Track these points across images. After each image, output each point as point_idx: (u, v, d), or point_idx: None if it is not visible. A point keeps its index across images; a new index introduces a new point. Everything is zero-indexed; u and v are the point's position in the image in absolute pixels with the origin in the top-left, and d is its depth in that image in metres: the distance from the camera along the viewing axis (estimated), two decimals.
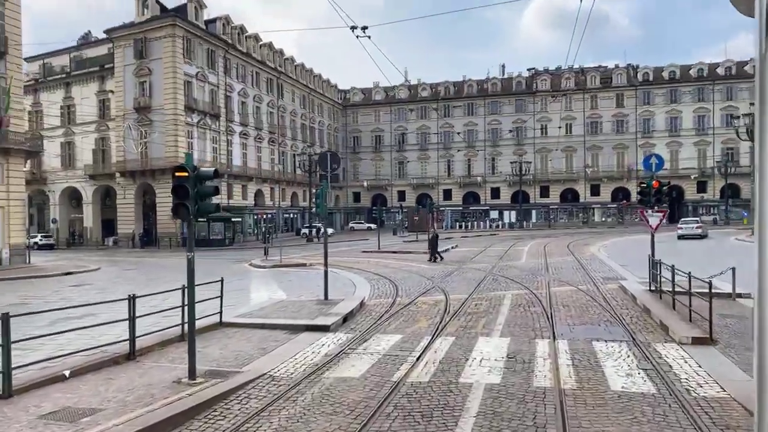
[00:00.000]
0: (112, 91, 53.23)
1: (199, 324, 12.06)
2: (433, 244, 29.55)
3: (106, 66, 53.72)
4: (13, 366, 8.88)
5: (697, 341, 10.17)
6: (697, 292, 11.57)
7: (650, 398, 7.50)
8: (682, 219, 50.02)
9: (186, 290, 10.79)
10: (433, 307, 15.03)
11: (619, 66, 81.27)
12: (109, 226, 55.03)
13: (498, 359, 9.62)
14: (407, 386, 8.26)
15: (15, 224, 34.68)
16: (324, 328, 12.11)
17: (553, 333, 11.54)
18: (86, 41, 59.72)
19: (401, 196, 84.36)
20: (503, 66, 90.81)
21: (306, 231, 58.89)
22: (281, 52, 69.35)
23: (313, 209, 15.49)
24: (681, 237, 41.47)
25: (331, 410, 7.32)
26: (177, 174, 8.11)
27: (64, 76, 56.91)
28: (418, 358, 9.76)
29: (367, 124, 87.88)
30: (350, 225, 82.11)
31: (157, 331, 10.93)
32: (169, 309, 11.68)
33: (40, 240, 53.26)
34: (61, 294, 20.82)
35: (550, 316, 13.25)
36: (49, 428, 6.32)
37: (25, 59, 60.62)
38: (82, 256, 41.86)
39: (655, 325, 12.08)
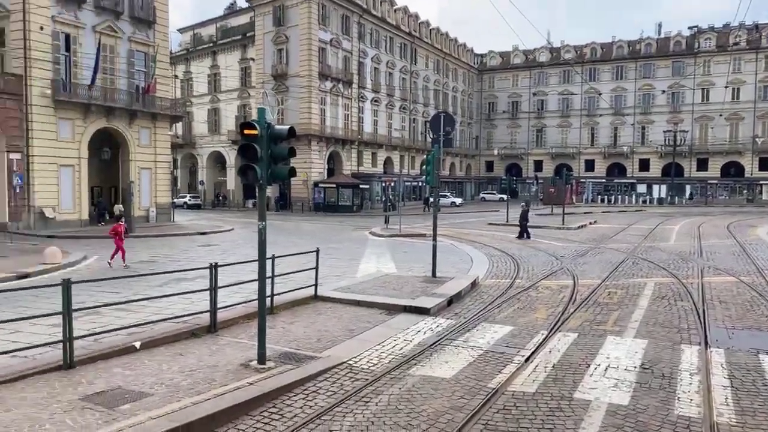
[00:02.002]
0: (252, 59, 55.22)
1: (293, 296, 11.39)
2: (524, 219, 26.91)
3: (248, 34, 55.72)
4: (98, 331, 8.67)
5: None
6: None
7: None
8: None
9: (273, 261, 10.05)
10: (557, 293, 13.09)
11: None
12: (249, 189, 57.80)
13: (629, 369, 7.70)
14: (506, 397, 6.70)
15: (161, 185, 37.15)
16: (423, 311, 10.78)
17: (705, 338, 9.24)
18: (231, 11, 62.37)
19: (538, 166, 79.94)
20: (659, 25, 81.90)
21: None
22: (416, 16, 67.74)
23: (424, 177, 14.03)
24: None
25: (405, 421, 6.01)
26: (245, 132, 7.08)
27: (210, 45, 60.05)
28: (527, 359, 8.12)
29: (503, 89, 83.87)
30: (481, 195, 79.58)
31: (241, 303, 10.28)
32: (278, 275, 10.85)
33: (189, 200, 57.51)
34: (188, 253, 21.54)
35: (701, 315, 10.81)
36: (83, 415, 5.68)
37: (178, 30, 65.08)
38: (222, 216, 44.24)
39: None
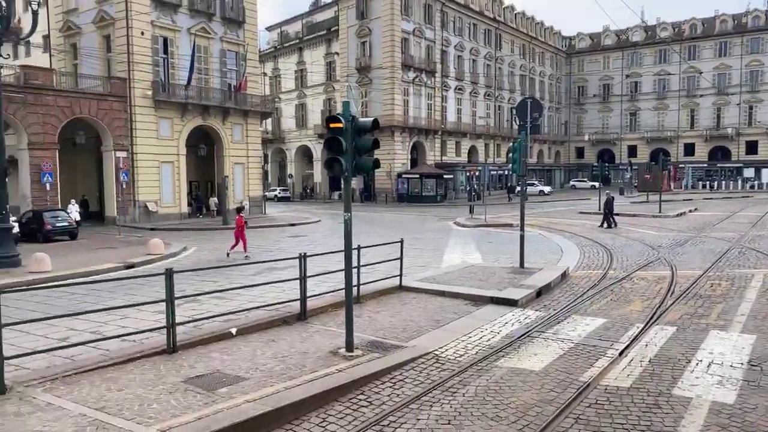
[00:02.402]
0: (337, 53, 56.15)
1: (379, 286, 11.53)
2: (608, 208, 25.48)
3: (332, 29, 56.68)
4: (197, 317, 9.19)
5: None
6: None
7: None
8: None
9: (359, 252, 10.22)
10: (654, 284, 12.44)
11: None
12: (335, 181, 58.99)
13: (734, 365, 7.20)
14: (599, 391, 6.46)
15: (253, 178, 38.72)
16: (511, 302, 10.59)
17: None
18: (316, 6, 63.65)
19: (631, 151, 76.04)
20: None
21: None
22: (500, 1, 66.21)
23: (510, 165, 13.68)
24: None
25: (493, 413, 5.94)
26: (331, 125, 7.21)
27: (297, 41, 61.64)
28: (621, 353, 7.78)
29: (594, 72, 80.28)
30: (571, 183, 76.84)
31: (329, 292, 10.52)
32: (364, 266, 11.01)
33: (279, 193, 59.58)
34: (279, 244, 22.34)
35: None
36: (185, 396, 6.05)
37: (266, 28, 67.15)
38: (309, 208, 45.49)
39: None
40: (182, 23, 33.94)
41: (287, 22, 64.82)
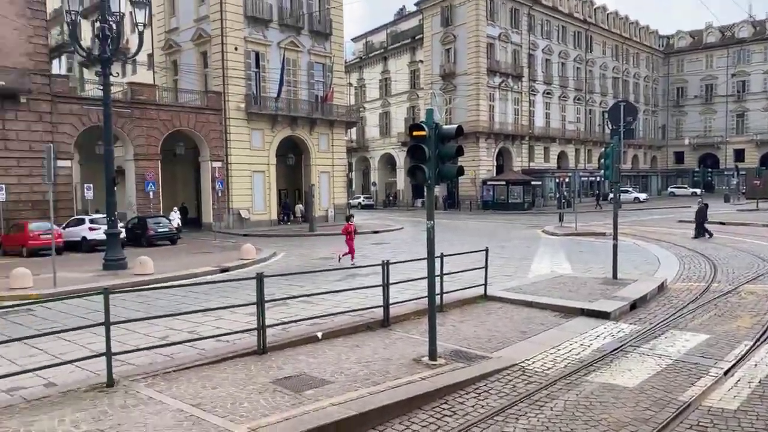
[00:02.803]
0: (421, 61, 56.39)
1: (462, 295, 11.40)
2: (701, 217, 23.49)
3: (417, 37, 57.01)
4: (286, 320, 9.49)
5: None
6: None
7: None
8: None
9: (442, 260, 10.16)
10: (764, 299, 11.49)
11: None
12: (418, 189, 59.15)
13: None
14: (701, 413, 6.03)
15: (338, 187, 39.59)
16: (603, 315, 10.12)
17: None
18: (400, 15, 64.30)
19: (738, 155, 70.78)
20: None
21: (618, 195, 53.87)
22: (591, 2, 63.98)
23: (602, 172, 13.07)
24: None
25: (582, 429, 5.69)
26: (414, 133, 7.23)
27: (381, 51, 62.49)
28: (726, 372, 7.23)
29: (695, 72, 75.59)
30: (669, 189, 72.67)
31: (412, 300, 10.52)
32: (447, 274, 10.94)
33: (363, 201, 60.48)
34: (362, 251, 22.55)
35: None
36: (273, 396, 6.23)
37: (352, 39, 68.52)
38: (392, 216, 45.83)
39: None
40: (273, 38, 35.35)
41: (372, 32, 65.90)
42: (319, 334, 8.60)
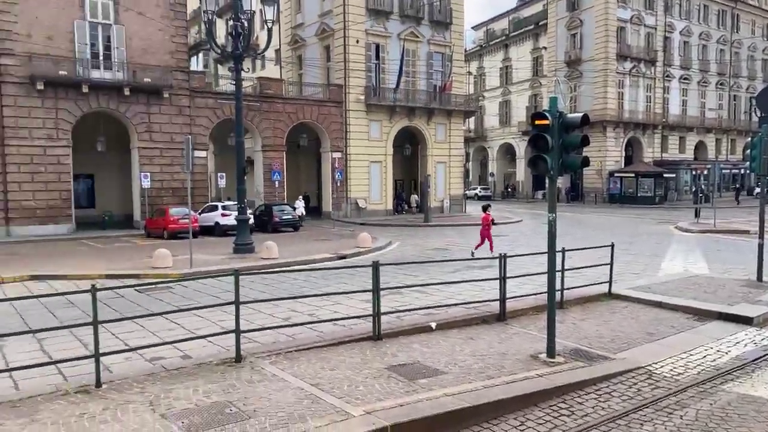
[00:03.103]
0: (544, 48, 54.40)
1: (584, 292, 10.93)
2: None
3: (540, 23, 55.03)
4: (398, 309, 9.63)
5: None
6: None
7: None
8: None
9: (563, 255, 9.76)
10: None
11: None
12: (538, 180, 57.30)
13: None
14: None
15: (454, 177, 39.35)
16: (744, 320, 9.22)
17: None
18: (523, 2, 62.30)
19: None
20: None
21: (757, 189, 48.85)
22: None
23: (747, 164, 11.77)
24: None
25: None
26: (536, 122, 6.98)
27: (503, 38, 61.03)
28: None
29: None
30: None
31: (530, 295, 10.21)
32: (568, 269, 10.48)
33: (480, 192, 59.66)
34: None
35: None
36: (388, 382, 6.33)
37: (472, 27, 67.61)
38: (511, 207, 44.78)
39: None
40: (393, 29, 35.74)
41: (493, 20, 64.53)
42: (433, 325, 8.62)
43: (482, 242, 17.21)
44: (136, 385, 6.20)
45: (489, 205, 18.63)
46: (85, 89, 26.35)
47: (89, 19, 26.83)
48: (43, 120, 26.03)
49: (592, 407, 6.06)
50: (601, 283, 11.10)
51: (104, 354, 6.40)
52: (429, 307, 9.78)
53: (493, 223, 18.04)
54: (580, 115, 7.02)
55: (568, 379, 6.62)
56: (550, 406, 6.10)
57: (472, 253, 16.91)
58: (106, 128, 29.30)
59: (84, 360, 6.65)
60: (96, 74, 27.02)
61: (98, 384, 6.11)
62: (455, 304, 10.00)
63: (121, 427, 5.16)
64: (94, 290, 6.23)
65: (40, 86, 25.50)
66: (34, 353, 7.82)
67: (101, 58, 27.31)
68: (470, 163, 64.87)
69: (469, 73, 59.79)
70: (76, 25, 26.48)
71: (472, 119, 54.85)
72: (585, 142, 7.11)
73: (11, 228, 25.51)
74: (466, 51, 48.86)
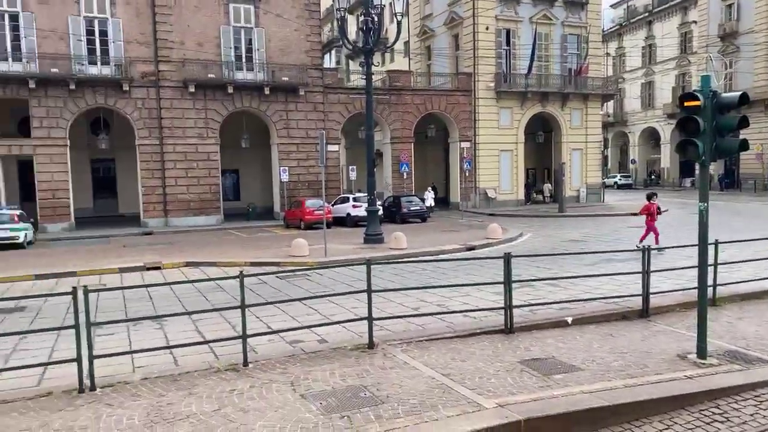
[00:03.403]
0: (694, 22, 49.76)
1: (740, 289, 10.00)
2: None
3: None
4: (532, 302, 9.39)
5: None
6: None
7: None
8: None
9: (716, 247, 8.93)
10: None
11: None
12: (686, 166, 52.77)
13: None
14: None
15: (592, 165, 37.39)
16: None
17: None
18: None
19: None
20: None
21: None
22: None
23: None
24: None
25: None
26: (685, 104, 6.40)
27: (645, 15, 56.66)
28: None
29: None
30: None
31: (677, 290, 9.44)
32: (722, 264, 9.61)
33: (619, 180, 56.22)
34: (618, 234, 21.11)
35: None
36: (521, 376, 6.18)
37: (611, 6, 63.58)
38: None
39: None
40: (524, 13, 34.63)
41: None
42: (569, 319, 8.28)
43: (647, 233, 16.11)
44: (278, 366, 6.62)
45: (655, 194, 17.12)
46: (230, 90, 28.47)
47: (233, 24, 28.90)
48: (194, 120, 28.53)
49: (751, 415, 5.49)
50: (761, 279, 10.00)
51: (250, 336, 6.91)
52: (563, 301, 9.43)
53: (659, 213, 16.86)
54: (738, 94, 6.33)
55: (723, 382, 6.06)
56: (701, 410, 5.62)
57: (637, 246, 15.81)
58: (249, 126, 31.45)
59: (232, 340, 7.23)
60: (239, 75, 29.08)
61: (245, 363, 6.61)
62: (592, 299, 9.53)
63: (266, 404, 5.54)
64: (242, 276, 6.74)
65: (191, 89, 27.95)
66: (190, 333, 8.62)
67: (244, 60, 29.33)
68: (609, 149, 61.25)
69: (607, 54, 56.26)
70: (222, 31, 28.66)
71: (610, 103, 51.60)
72: (743, 123, 6.41)
73: (169, 219, 28.30)
74: (603, 31, 46.09)
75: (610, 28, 60.14)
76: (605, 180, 46.47)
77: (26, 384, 6.55)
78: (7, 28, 25.41)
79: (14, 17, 25.46)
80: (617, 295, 9.60)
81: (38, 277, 14.41)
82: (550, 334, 7.82)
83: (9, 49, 25.43)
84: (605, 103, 42.41)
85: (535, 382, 6.03)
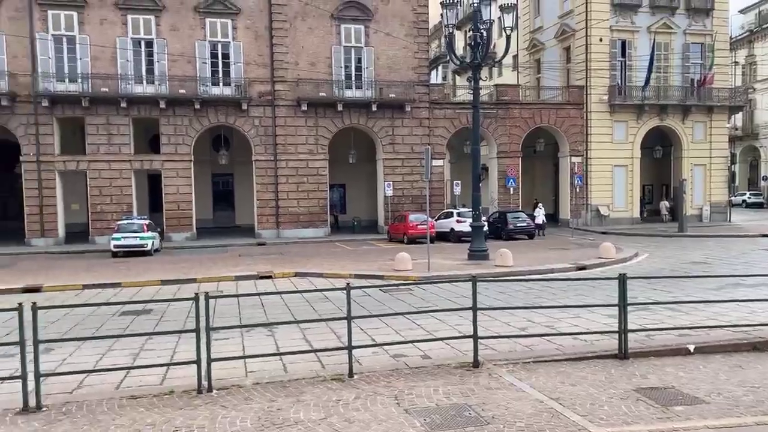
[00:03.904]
0: None
1: None
2: None
3: None
4: (649, 327, 8.82)
5: None
6: None
7: None
8: None
9: None
10: None
11: None
12: None
13: None
14: None
15: (716, 182, 34.65)
16: None
17: None
18: None
19: None
20: None
21: None
22: None
23: None
24: None
25: None
26: None
27: None
28: None
29: None
30: None
31: None
32: None
33: (749, 198, 51.62)
34: (747, 257, 19.38)
35: None
36: (636, 405, 5.78)
37: (739, 11, 58.98)
38: None
39: None
40: (641, 23, 32.96)
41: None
42: (691, 347, 7.66)
43: None
44: (382, 379, 6.68)
45: None
46: (339, 108, 29.43)
47: (344, 44, 29.90)
48: (305, 137, 29.75)
49: None
50: None
51: (356, 347, 7.02)
52: (684, 327, 8.77)
53: None
54: None
55: None
56: None
57: None
58: (356, 141, 32.26)
59: (338, 351, 7.38)
60: (348, 93, 29.99)
61: (350, 374, 6.73)
62: (718, 326, 8.78)
63: (371, 416, 5.59)
64: (348, 289, 6.88)
65: (304, 107, 29.19)
66: (298, 341, 8.92)
67: (353, 78, 30.22)
68: (736, 165, 56.40)
69: (735, 62, 52.10)
70: (333, 51, 29.74)
71: (738, 115, 47.65)
72: None
73: (281, 230, 29.59)
74: (731, 38, 42.82)
75: (739, 35, 55.66)
76: (732, 198, 42.81)
77: (151, 381, 7.07)
78: (143, 54, 27.96)
79: (149, 44, 27.96)
80: (746, 323, 8.78)
81: (163, 282, 15.60)
82: (670, 362, 7.28)
83: (144, 73, 27.94)
84: (732, 116, 39.27)
85: (653, 412, 5.62)
